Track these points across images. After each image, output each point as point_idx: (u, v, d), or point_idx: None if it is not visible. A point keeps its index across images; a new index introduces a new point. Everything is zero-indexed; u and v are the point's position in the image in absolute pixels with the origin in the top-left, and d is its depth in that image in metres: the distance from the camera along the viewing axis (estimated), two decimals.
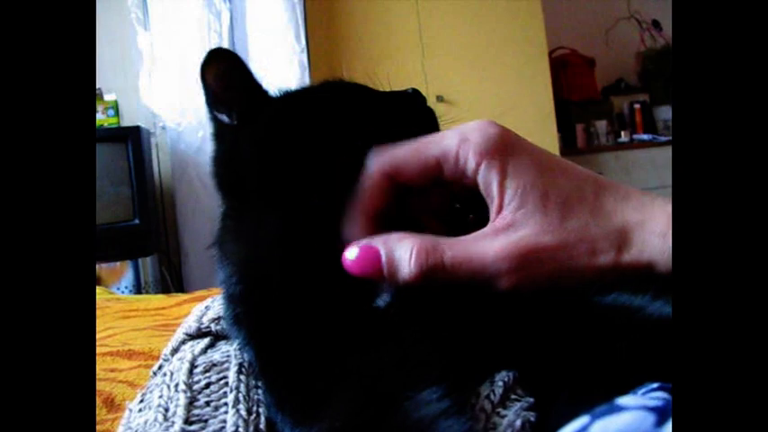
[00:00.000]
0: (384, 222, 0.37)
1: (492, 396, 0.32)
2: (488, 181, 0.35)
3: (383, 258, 0.34)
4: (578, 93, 3.93)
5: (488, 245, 0.34)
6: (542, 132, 3.29)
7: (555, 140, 3.35)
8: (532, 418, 0.31)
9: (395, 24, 3.22)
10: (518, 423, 0.30)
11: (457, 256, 0.34)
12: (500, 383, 0.32)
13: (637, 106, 4.03)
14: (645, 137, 3.88)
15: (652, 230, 0.34)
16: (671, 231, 0.32)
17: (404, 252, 0.34)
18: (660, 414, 0.24)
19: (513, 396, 0.32)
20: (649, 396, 0.27)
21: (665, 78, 3.91)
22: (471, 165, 0.35)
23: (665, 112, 4.00)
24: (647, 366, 0.31)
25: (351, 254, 0.35)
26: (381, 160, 0.37)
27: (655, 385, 0.28)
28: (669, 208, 0.34)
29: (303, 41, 2.82)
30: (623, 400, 0.26)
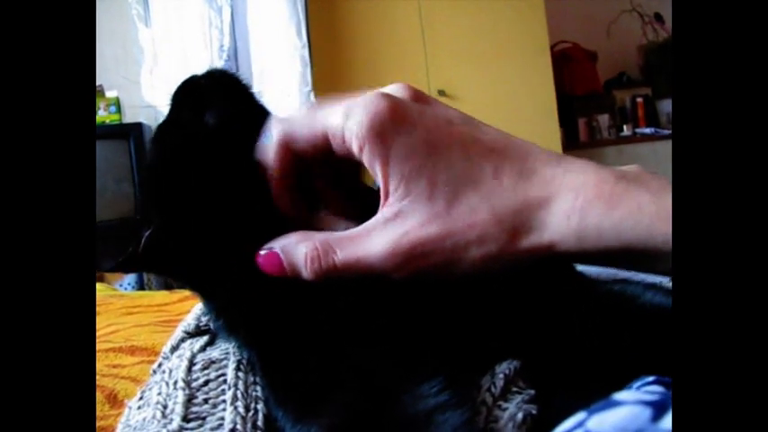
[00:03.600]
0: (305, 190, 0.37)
1: (493, 389, 0.32)
2: (372, 166, 0.33)
3: (284, 264, 0.34)
4: (580, 87, 3.92)
5: (375, 241, 0.32)
6: (544, 127, 3.29)
7: (557, 135, 3.34)
8: (534, 411, 0.31)
9: (397, 19, 3.21)
10: (519, 416, 0.30)
11: (346, 258, 0.33)
12: (501, 376, 0.32)
13: (639, 100, 4.02)
14: (647, 130, 3.88)
15: (555, 211, 0.31)
16: (578, 209, 0.30)
17: (299, 257, 0.34)
18: (657, 408, 0.24)
19: (514, 388, 0.32)
20: (645, 390, 0.27)
21: (667, 72, 3.89)
22: (355, 147, 0.33)
23: (667, 106, 3.99)
24: (646, 357, 0.31)
25: (260, 257, 0.35)
26: (278, 129, 0.35)
27: (650, 379, 0.28)
28: (579, 180, 0.31)
29: (305, 37, 2.82)
30: (620, 396, 0.26)
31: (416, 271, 0.32)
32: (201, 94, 0.39)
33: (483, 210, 0.31)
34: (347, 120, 0.33)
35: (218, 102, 0.39)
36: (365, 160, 0.33)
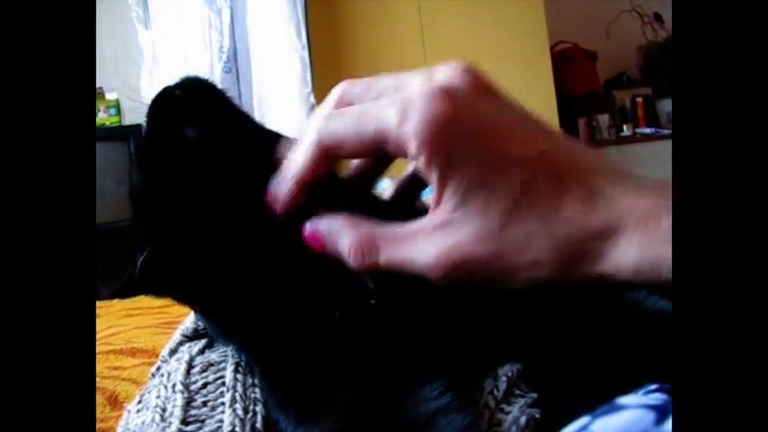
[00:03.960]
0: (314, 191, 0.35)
1: (495, 392, 0.32)
2: (428, 172, 0.31)
3: (328, 246, 0.33)
4: (580, 87, 3.92)
5: (421, 246, 0.31)
6: None
7: None
8: (537, 415, 0.31)
9: (396, 19, 3.21)
10: (522, 420, 0.30)
11: (390, 258, 0.32)
12: (503, 379, 0.32)
13: (639, 100, 4.02)
14: (647, 130, 3.87)
15: (619, 244, 0.29)
16: (642, 245, 0.28)
17: (343, 246, 0.33)
18: (660, 412, 0.24)
19: (517, 392, 0.32)
20: (649, 395, 0.27)
21: (667, 72, 3.89)
22: (412, 152, 0.31)
23: (667, 106, 3.98)
24: (648, 361, 0.31)
25: (305, 233, 0.34)
26: (320, 131, 0.33)
27: (653, 387, 0.27)
28: (643, 206, 0.29)
29: (304, 38, 2.81)
30: (623, 400, 0.26)
31: (459, 282, 0.31)
32: (177, 108, 0.39)
33: (540, 236, 0.30)
34: (404, 121, 0.31)
35: (195, 115, 0.39)
36: (422, 165, 0.31)
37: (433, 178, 0.31)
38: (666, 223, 0.28)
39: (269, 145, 0.37)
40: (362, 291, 0.36)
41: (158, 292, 0.41)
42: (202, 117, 0.39)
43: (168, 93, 0.40)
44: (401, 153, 0.32)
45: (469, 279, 0.31)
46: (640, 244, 0.28)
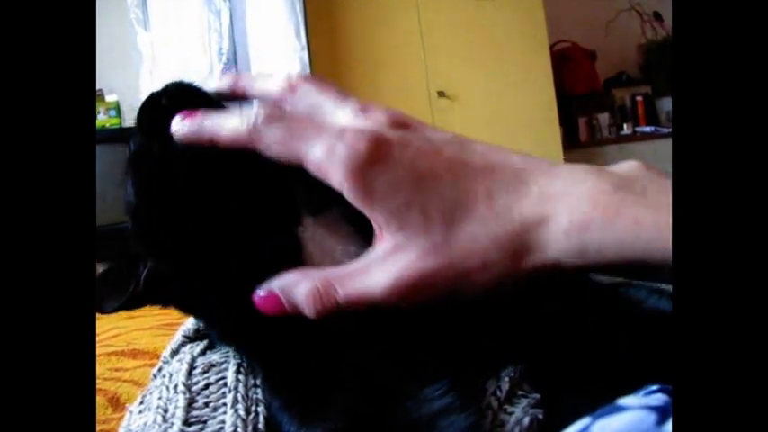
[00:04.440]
0: None
1: (498, 392, 0.32)
2: (356, 204, 0.32)
3: (285, 304, 0.33)
4: (580, 86, 3.92)
5: (375, 277, 0.32)
6: (544, 126, 3.29)
7: (557, 134, 3.35)
8: (540, 416, 0.31)
9: (396, 20, 3.21)
10: (526, 420, 0.30)
11: (348, 295, 0.32)
12: (506, 379, 0.32)
13: (639, 98, 4.03)
14: (647, 129, 3.88)
15: (554, 229, 0.30)
16: (577, 227, 0.29)
17: (300, 297, 0.33)
18: (661, 413, 0.24)
19: (519, 392, 0.32)
20: (650, 396, 0.27)
21: (666, 70, 3.90)
22: (336, 186, 0.32)
23: (666, 104, 3.99)
24: (649, 361, 0.31)
25: (259, 298, 0.34)
26: (255, 129, 0.34)
27: (654, 387, 0.27)
28: (577, 192, 0.30)
29: (304, 39, 2.82)
30: (624, 401, 0.26)
31: (420, 301, 0.32)
32: (165, 117, 0.38)
33: (481, 236, 0.31)
34: (329, 157, 0.32)
35: None
36: (349, 198, 0.32)
37: (363, 210, 0.32)
38: (603, 201, 0.29)
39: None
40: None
41: (162, 303, 0.41)
42: None
43: (154, 101, 0.39)
44: (323, 178, 0.33)
45: (428, 297, 0.32)
46: (576, 227, 0.30)
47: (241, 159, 0.37)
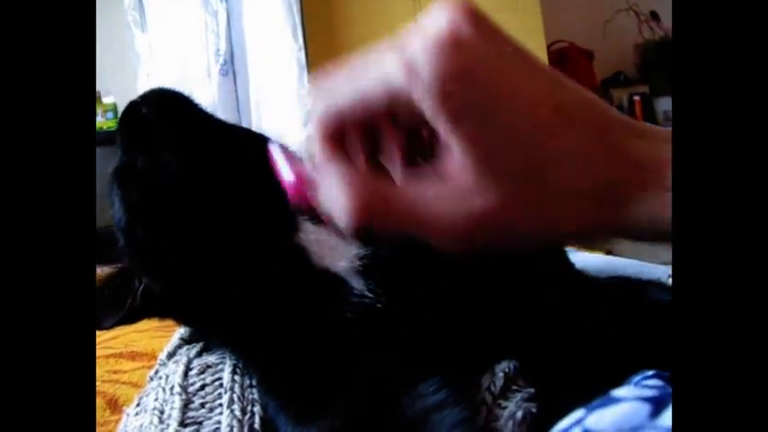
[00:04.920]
0: None
1: (492, 387, 0.32)
2: (448, 138, 0.29)
3: (317, 200, 0.30)
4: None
5: (444, 211, 0.29)
6: None
7: None
8: (534, 410, 0.31)
9: (394, 22, 3.20)
10: (519, 414, 0.30)
11: (404, 219, 0.29)
12: (500, 374, 0.32)
13: (636, 98, 4.02)
14: None
15: (636, 198, 0.28)
16: (659, 196, 0.28)
17: (342, 200, 0.29)
18: (655, 404, 0.24)
19: (513, 387, 0.32)
20: (644, 384, 0.27)
21: (664, 70, 3.89)
22: (428, 112, 0.28)
23: (664, 104, 3.99)
24: (646, 353, 0.31)
25: (289, 180, 0.31)
26: (320, 113, 0.31)
27: (650, 373, 0.28)
28: (661, 158, 0.28)
29: (301, 40, 2.81)
30: (618, 392, 0.26)
31: (478, 247, 0.29)
32: (149, 129, 0.38)
33: (566, 194, 0.29)
34: (413, 77, 0.28)
35: (166, 137, 0.37)
36: (440, 130, 0.29)
37: (453, 140, 0.29)
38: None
39: (249, 153, 0.37)
40: (357, 296, 0.36)
41: (160, 317, 0.42)
42: (173, 138, 0.37)
43: (136, 111, 0.39)
44: (414, 114, 0.29)
45: (487, 243, 0.29)
46: (653, 197, 0.28)
47: (230, 171, 0.37)
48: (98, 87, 2.70)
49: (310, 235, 0.37)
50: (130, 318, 0.40)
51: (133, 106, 0.39)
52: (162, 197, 0.37)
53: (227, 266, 0.36)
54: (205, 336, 0.41)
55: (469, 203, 0.29)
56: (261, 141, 0.38)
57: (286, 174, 0.31)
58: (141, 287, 0.38)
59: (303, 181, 0.31)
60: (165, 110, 0.38)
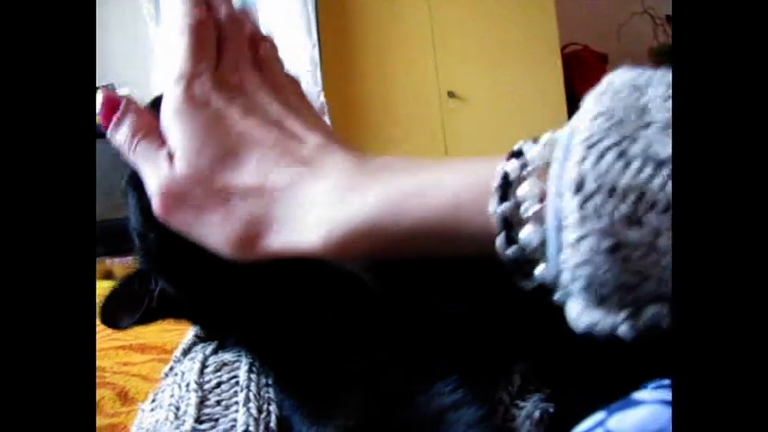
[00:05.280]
0: None
1: (510, 387, 0.32)
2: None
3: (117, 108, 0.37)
4: (590, 89, 3.90)
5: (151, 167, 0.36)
6: (554, 129, 3.28)
7: None
8: (551, 410, 0.31)
9: (407, 19, 3.21)
10: (536, 414, 0.30)
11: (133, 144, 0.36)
12: (517, 375, 0.32)
13: None
14: None
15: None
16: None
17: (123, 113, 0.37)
18: None
19: (530, 387, 0.32)
20: (663, 390, 0.26)
21: None
22: (152, 188, 0.37)
23: None
24: (658, 356, 0.31)
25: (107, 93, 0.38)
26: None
27: (666, 382, 0.27)
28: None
29: (315, 36, 2.82)
30: (639, 395, 0.25)
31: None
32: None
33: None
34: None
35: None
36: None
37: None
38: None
39: None
40: (373, 294, 0.35)
41: (176, 317, 0.42)
42: None
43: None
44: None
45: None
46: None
47: None
48: (112, 79, 2.72)
49: None
50: (147, 318, 0.40)
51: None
52: None
53: (240, 270, 0.36)
54: (220, 336, 0.41)
55: (165, 166, 0.36)
56: None
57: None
58: (158, 289, 0.38)
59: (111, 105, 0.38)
60: None
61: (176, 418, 0.34)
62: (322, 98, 2.75)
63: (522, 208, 0.27)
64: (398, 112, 3.17)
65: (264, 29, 0.43)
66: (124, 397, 0.64)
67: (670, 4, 3.89)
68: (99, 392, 0.65)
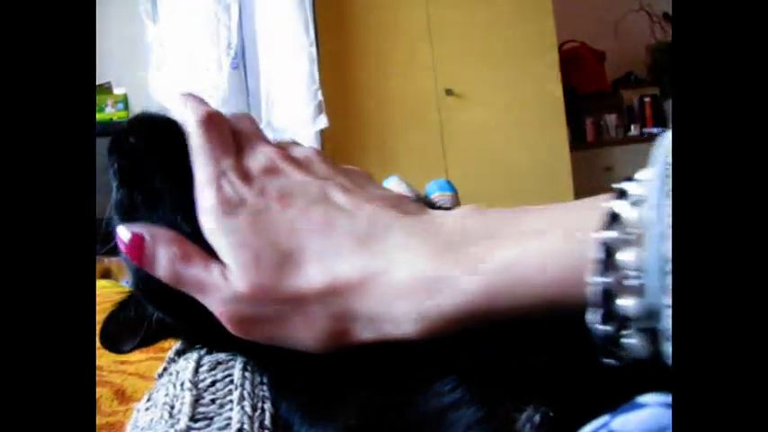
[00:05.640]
0: None
1: (510, 390, 0.32)
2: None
3: (145, 253, 0.35)
4: (588, 86, 3.91)
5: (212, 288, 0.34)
6: (551, 126, 3.28)
7: (564, 134, 3.34)
8: (552, 414, 0.31)
9: (405, 16, 3.21)
10: (537, 418, 0.30)
11: (188, 279, 0.34)
12: (518, 378, 0.32)
13: (647, 99, 4.01)
14: (655, 130, 3.86)
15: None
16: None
17: (161, 255, 0.34)
18: None
19: (531, 390, 0.32)
20: (667, 394, 0.26)
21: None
22: (218, 308, 0.34)
23: None
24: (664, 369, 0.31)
25: (121, 232, 0.35)
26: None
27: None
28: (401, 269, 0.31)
29: (312, 34, 2.81)
30: (643, 398, 0.25)
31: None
32: (138, 160, 0.37)
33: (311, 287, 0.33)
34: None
35: (159, 169, 0.37)
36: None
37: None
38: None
39: None
40: None
41: (176, 338, 0.42)
42: (165, 171, 0.37)
43: (123, 141, 0.38)
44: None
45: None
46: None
47: None
48: (109, 78, 2.72)
49: None
50: (148, 340, 0.40)
51: (121, 136, 0.38)
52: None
53: None
54: (218, 350, 0.41)
55: (226, 286, 0.33)
56: None
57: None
58: (156, 314, 0.38)
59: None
60: (152, 137, 0.38)
61: (171, 416, 0.34)
62: (319, 96, 2.75)
63: (626, 281, 0.27)
64: (396, 111, 3.16)
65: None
66: (121, 395, 0.64)
67: (666, 1, 3.90)
68: (97, 391, 0.65)
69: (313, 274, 0.32)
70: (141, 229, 0.35)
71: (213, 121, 0.37)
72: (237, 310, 0.33)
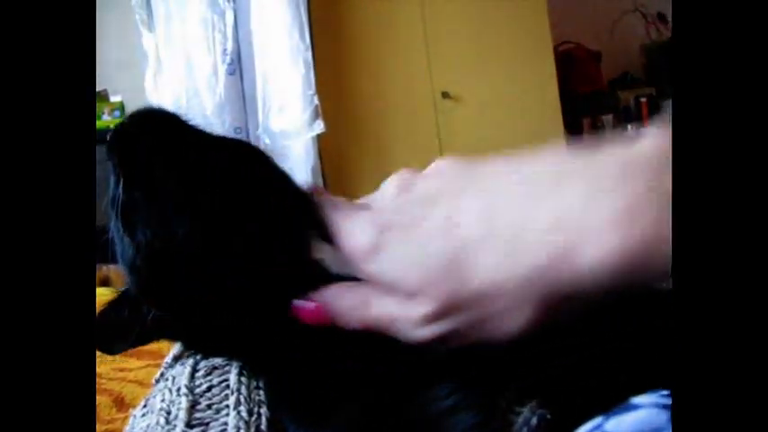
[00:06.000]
0: None
1: (507, 393, 0.32)
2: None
3: (329, 316, 0.35)
4: (584, 87, 3.91)
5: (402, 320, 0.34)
6: (548, 127, 3.29)
7: (561, 135, 3.34)
8: (548, 416, 0.31)
9: (400, 20, 3.21)
10: (534, 421, 0.30)
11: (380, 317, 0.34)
12: (514, 384, 0.32)
13: (643, 100, 4.02)
14: None
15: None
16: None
17: (343, 308, 0.35)
18: None
19: (528, 392, 0.32)
20: (662, 393, 0.26)
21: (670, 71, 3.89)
22: (414, 335, 0.34)
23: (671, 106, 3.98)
24: (658, 362, 0.31)
25: (302, 309, 0.36)
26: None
27: (665, 392, 0.27)
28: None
29: (308, 40, 2.81)
30: (637, 399, 0.25)
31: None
32: (139, 156, 0.36)
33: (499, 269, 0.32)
34: (407, 310, 0.34)
35: (161, 167, 0.36)
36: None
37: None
38: None
39: (250, 172, 0.36)
40: None
41: (171, 339, 0.42)
42: (169, 168, 0.36)
43: (124, 135, 0.37)
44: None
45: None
46: None
47: (236, 199, 0.36)
48: (105, 86, 2.72)
49: (323, 253, 0.37)
50: (140, 341, 0.40)
51: (121, 131, 0.37)
52: (166, 234, 0.35)
53: (237, 296, 0.36)
54: (215, 354, 0.41)
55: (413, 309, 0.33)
56: (258, 156, 0.39)
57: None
58: (151, 315, 0.38)
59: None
60: (156, 135, 0.37)
61: (167, 422, 0.34)
62: (316, 101, 2.75)
63: None
64: (392, 114, 3.16)
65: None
66: (120, 403, 0.64)
67: (660, 1, 3.90)
68: (96, 399, 0.65)
69: (485, 273, 0.32)
70: (317, 297, 0.36)
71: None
72: (438, 331, 0.33)
